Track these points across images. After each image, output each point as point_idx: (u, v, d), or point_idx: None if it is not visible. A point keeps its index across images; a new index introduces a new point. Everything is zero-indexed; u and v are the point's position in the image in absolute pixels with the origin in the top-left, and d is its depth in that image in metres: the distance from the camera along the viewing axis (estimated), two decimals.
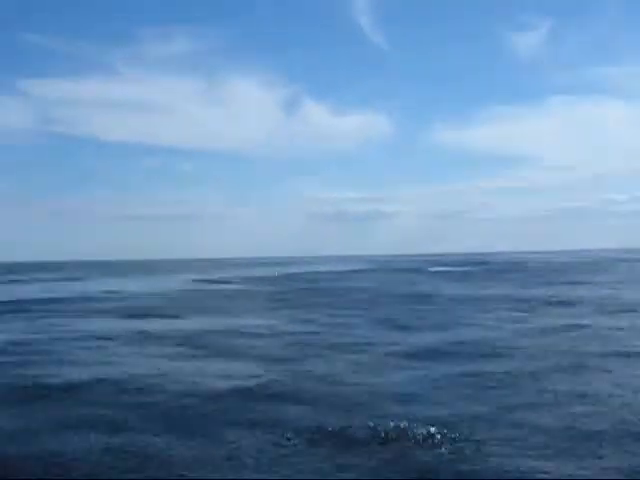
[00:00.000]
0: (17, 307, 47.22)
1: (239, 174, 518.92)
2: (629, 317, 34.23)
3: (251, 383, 19.26)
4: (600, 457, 12.94)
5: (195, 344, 27.37)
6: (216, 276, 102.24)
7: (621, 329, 29.59)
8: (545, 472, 12.24)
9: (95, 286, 77.64)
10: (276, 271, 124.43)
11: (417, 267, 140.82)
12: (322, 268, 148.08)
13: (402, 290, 61.65)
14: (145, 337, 29.72)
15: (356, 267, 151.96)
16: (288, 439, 14.21)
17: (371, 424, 14.77)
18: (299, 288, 68.57)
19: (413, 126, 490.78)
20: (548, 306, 42.04)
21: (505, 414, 15.75)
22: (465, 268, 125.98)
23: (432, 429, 14.30)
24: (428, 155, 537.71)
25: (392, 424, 14.68)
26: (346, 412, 16.03)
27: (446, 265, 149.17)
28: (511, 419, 15.34)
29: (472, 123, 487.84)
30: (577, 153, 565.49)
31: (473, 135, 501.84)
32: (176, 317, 38.53)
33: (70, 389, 18.94)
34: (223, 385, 19.14)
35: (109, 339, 29.00)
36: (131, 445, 13.93)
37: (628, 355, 22.76)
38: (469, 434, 14.19)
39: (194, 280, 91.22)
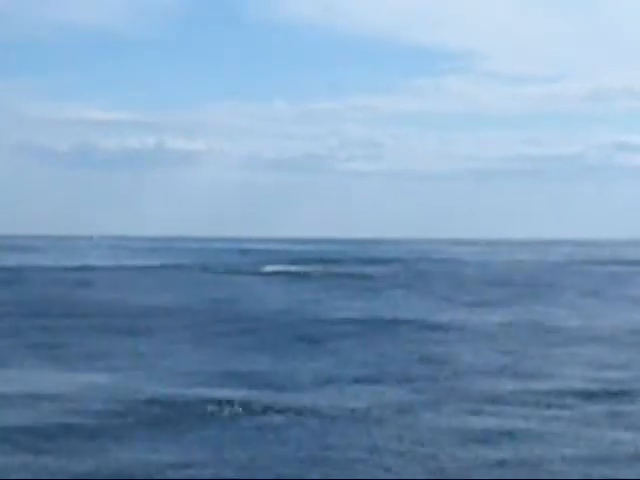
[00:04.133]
0: None
1: None
2: None
3: None
4: None
5: None
6: None
7: None
8: None
9: None
10: None
11: (237, 264, 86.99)
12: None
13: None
14: None
15: (122, 260, 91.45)
16: None
17: None
18: None
19: None
20: None
21: None
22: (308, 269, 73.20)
23: None
24: (264, 47, 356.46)
25: None
26: None
27: (292, 262, 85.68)
28: None
29: None
30: (556, 46, 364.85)
31: (354, 8, 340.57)
32: None
33: None
34: None
35: None
36: None
37: None
38: None
39: None
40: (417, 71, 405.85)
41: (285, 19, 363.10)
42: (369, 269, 76.93)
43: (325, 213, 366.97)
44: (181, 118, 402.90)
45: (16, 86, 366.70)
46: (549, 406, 16.93)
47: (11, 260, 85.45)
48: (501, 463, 12.50)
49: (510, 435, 14.23)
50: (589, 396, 17.93)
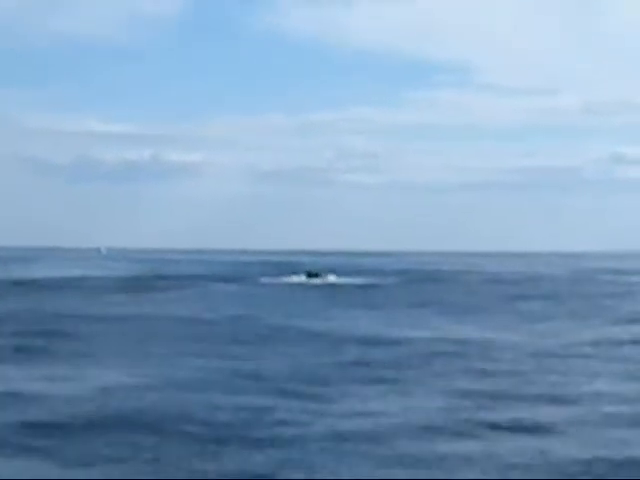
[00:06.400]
0: None
1: None
2: None
3: None
4: None
5: None
6: None
7: None
8: None
9: None
10: None
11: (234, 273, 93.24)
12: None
13: None
14: None
15: (105, 271, 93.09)
16: None
17: None
18: None
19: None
20: None
21: None
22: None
23: None
24: (262, 59, 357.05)
25: None
26: None
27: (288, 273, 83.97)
28: None
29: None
30: (552, 59, 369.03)
31: (351, 22, 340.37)
32: None
33: None
34: None
35: None
36: None
37: None
38: None
39: None
40: (413, 84, 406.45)
41: (282, 33, 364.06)
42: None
43: (323, 225, 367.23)
44: (180, 131, 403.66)
45: (14, 96, 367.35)
46: None
47: None
48: None
49: None
50: None
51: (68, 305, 44.60)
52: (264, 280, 74.88)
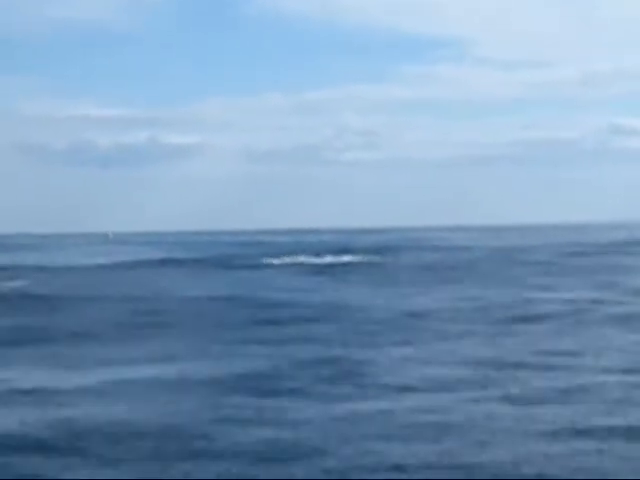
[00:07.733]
0: None
1: None
2: None
3: None
4: None
5: None
6: None
7: None
8: None
9: None
10: None
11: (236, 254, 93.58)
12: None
13: None
14: None
15: (110, 258, 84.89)
16: None
17: None
18: None
19: None
20: None
21: None
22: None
23: None
24: (259, 40, 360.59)
25: None
26: None
27: (296, 252, 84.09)
28: None
29: None
30: (549, 31, 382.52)
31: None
32: None
33: None
34: None
35: None
36: None
37: None
38: None
39: None
40: (410, 59, 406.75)
41: (276, 11, 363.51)
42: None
43: (323, 203, 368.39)
44: (177, 113, 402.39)
45: (10, 83, 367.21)
46: None
47: None
48: None
49: None
50: None
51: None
52: (266, 261, 74.52)
